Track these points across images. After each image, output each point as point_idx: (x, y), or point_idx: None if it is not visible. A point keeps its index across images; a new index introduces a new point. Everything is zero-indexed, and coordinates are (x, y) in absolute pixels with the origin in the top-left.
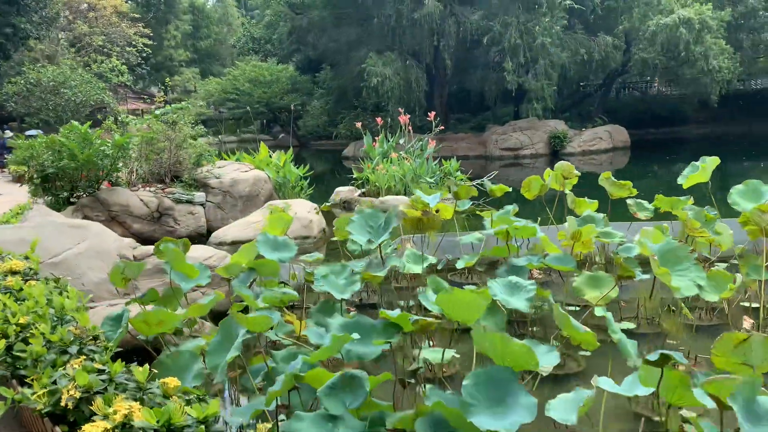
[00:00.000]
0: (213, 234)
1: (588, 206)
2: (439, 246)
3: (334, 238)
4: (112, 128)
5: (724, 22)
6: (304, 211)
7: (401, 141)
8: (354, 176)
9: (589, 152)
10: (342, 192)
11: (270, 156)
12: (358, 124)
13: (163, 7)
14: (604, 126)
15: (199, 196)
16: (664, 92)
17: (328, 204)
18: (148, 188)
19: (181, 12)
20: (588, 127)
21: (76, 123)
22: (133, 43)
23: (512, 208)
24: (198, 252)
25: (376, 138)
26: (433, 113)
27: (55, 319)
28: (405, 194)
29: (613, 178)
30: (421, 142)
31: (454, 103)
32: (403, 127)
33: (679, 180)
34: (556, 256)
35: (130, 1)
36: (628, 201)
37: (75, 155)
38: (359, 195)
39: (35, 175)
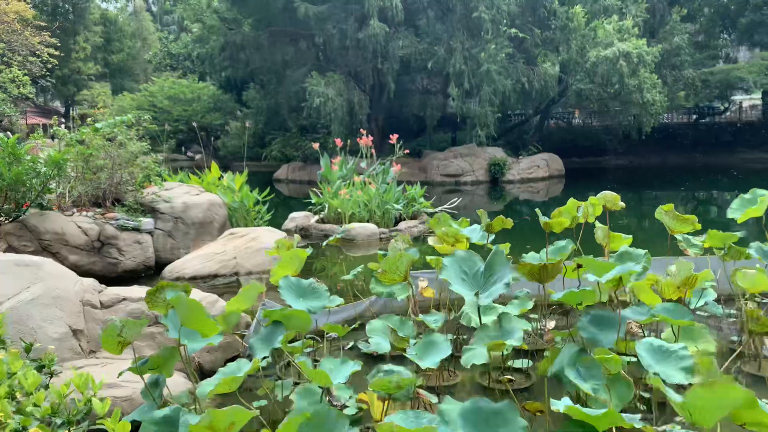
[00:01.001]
0: (167, 268)
1: (623, 241)
2: None
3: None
4: (40, 142)
5: (656, 57)
6: (272, 241)
7: (363, 164)
8: (313, 201)
9: (528, 180)
10: (297, 218)
11: (221, 177)
12: (315, 145)
13: (71, 17)
14: (540, 154)
15: (147, 222)
16: (588, 123)
17: (338, 235)
18: (84, 213)
19: (92, 23)
20: (523, 155)
21: (1, 135)
22: (37, 53)
23: (567, 243)
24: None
25: (333, 160)
26: (396, 135)
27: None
28: (369, 221)
29: (675, 211)
30: (383, 166)
31: (388, 127)
32: (365, 150)
33: (731, 214)
34: (668, 307)
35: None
36: (678, 236)
37: (0, 173)
38: (316, 222)
39: None
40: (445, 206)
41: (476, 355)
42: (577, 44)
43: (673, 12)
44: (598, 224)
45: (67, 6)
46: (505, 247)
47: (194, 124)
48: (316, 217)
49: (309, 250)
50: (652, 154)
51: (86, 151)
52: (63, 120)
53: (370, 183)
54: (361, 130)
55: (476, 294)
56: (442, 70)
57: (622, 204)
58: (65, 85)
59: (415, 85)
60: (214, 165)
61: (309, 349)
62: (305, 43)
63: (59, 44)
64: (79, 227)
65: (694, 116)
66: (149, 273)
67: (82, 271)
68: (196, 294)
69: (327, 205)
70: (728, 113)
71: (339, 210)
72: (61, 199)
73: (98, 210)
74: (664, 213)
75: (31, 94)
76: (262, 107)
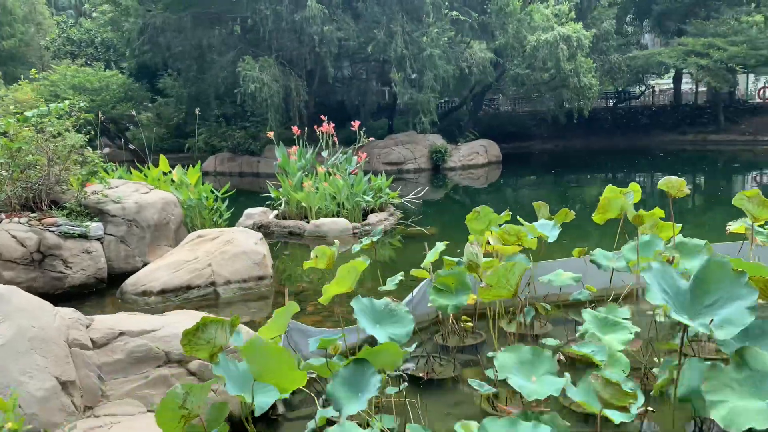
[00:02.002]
0: (129, 281)
1: (674, 230)
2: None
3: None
4: None
5: (590, 41)
6: (250, 243)
7: (324, 153)
8: (272, 195)
9: (469, 167)
10: (254, 215)
11: (169, 173)
12: (270, 134)
13: None
14: (478, 141)
15: (96, 227)
16: (515, 110)
17: (373, 238)
18: (16, 219)
19: None
20: (460, 141)
21: None
22: None
23: (653, 239)
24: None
25: (290, 150)
26: (357, 122)
27: None
28: (338, 215)
29: (761, 195)
30: (345, 155)
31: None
32: (325, 138)
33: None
34: None
35: None
36: (746, 224)
37: None
38: (275, 218)
39: None
40: (410, 196)
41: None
42: (513, 28)
43: None
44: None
45: None
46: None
47: (100, 115)
48: (275, 212)
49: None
50: (576, 138)
51: (13, 145)
52: None
53: (335, 174)
54: (322, 116)
55: (706, 322)
56: (382, 55)
57: (688, 190)
58: None
59: (352, 71)
60: (163, 158)
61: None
62: (232, 26)
63: None
64: (13, 237)
65: (613, 101)
66: (101, 287)
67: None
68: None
69: (287, 200)
70: (642, 97)
71: (303, 204)
72: None
73: (32, 215)
74: (747, 199)
75: None
76: (182, 95)
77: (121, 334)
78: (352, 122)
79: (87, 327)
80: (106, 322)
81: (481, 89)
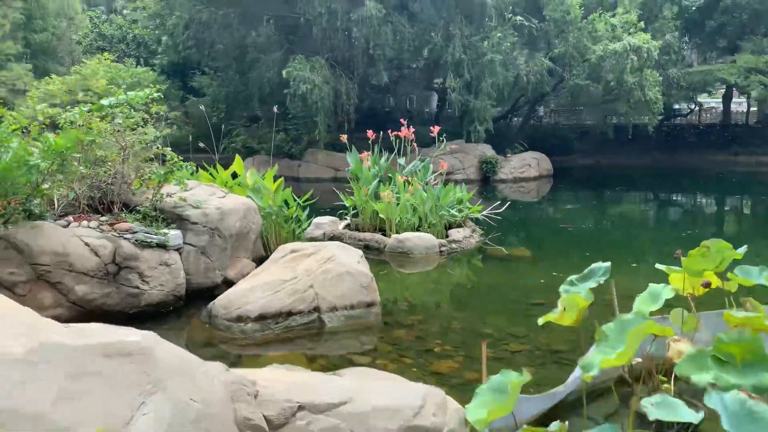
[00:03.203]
0: (218, 302)
1: None
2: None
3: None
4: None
5: (657, 53)
6: (352, 261)
7: (401, 160)
8: (346, 204)
9: (520, 179)
10: (323, 224)
11: (236, 175)
12: (343, 137)
13: None
14: (529, 152)
15: (175, 235)
16: (557, 122)
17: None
18: (85, 222)
19: None
20: (509, 153)
21: None
22: None
23: None
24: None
25: (362, 156)
26: (437, 127)
27: None
28: (419, 229)
29: None
30: (422, 162)
31: (365, 119)
32: (405, 143)
33: None
34: None
35: None
36: None
37: None
38: (345, 228)
39: None
40: (488, 210)
41: None
42: (574, 37)
43: (664, 9)
44: None
45: None
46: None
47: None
48: (343, 222)
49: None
50: (617, 154)
51: (85, 138)
52: None
53: (415, 182)
54: (402, 120)
55: None
56: (438, 59)
57: None
58: None
59: (399, 74)
60: (238, 159)
61: None
62: (280, 24)
63: None
64: (86, 244)
65: (659, 117)
66: (179, 305)
67: (90, 310)
68: (416, 389)
69: (360, 209)
70: (690, 115)
71: (382, 216)
72: (46, 203)
73: (102, 219)
74: None
75: None
76: (219, 94)
77: (300, 408)
78: (432, 127)
79: (255, 397)
80: (275, 391)
81: (533, 99)
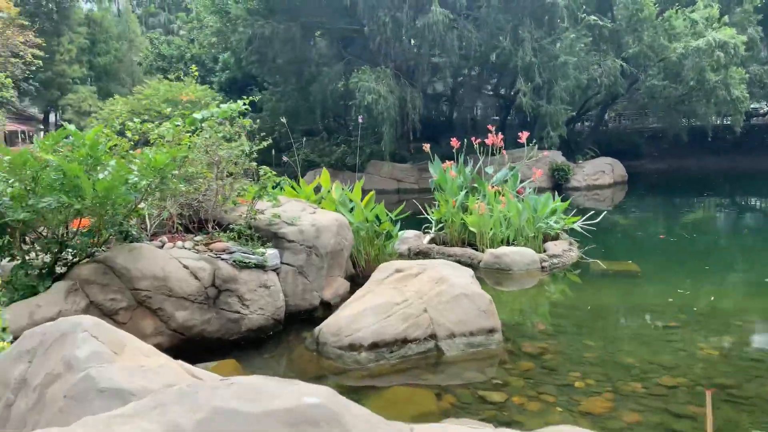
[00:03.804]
0: (326, 328)
1: None
2: None
3: None
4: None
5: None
6: (465, 282)
7: (489, 170)
8: (432, 217)
9: (594, 187)
10: (408, 239)
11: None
12: (426, 147)
13: (56, 16)
14: (602, 158)
15: (273, 255)
16: (624, 126)
17: None
18: (180, 243)
19: (77, 23)
20: (579, 159)
21: (71, 126)
22: (20, 53)
23: None
24: None
25: (443, 165)
26: (526, 133)
27: None
28: (513, 243)
29: None
30: (511, 171)
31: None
32: (494, 150)
33: None
34: None
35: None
36: None
37: (80, 187)
38: (429, 242)
39: None
40: (582, 220)
41: None
42: (648, 36)
43: (745, 1)
44: None
45: (50, 5)
46: None
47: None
48: (428, 236)
49: None
50: (689, 157)
51: (179, 154)
52: (42, 127)
53: (508, 193)
54: (489, 126)
55: None
56: (506, 64)
57: None
58: (48, 89)
59: (463, 81)
60: (325, 172)
61: None
62: (339, 36)
63: (44, 44)
64: (185, 267)
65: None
66: (278, 329)
67: (190, 336)
68: None
69: (446, 223)
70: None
71: (473, 229)
72: (139, 223)
73: (196, 238)
74: None
75: (13, 98)
76: (278, 109)
77: None
78: (520, 133)
79: None
80: None
81: (604, 102)
